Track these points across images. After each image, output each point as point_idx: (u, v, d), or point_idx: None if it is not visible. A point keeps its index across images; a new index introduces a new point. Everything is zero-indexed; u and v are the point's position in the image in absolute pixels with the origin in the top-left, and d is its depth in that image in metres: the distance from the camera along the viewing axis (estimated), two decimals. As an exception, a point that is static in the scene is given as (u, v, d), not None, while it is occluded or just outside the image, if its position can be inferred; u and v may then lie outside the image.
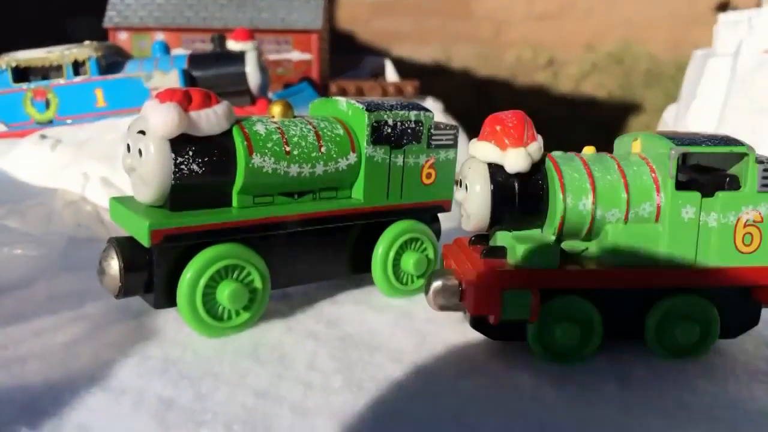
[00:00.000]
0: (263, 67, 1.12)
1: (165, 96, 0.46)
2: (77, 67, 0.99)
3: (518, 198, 0.45)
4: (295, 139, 0.51)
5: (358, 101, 0.55)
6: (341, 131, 0.53)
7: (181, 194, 0.47)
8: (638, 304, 0.47)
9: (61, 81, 1.00)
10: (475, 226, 0.47)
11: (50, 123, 1.01)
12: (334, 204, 0.53)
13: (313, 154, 0.51)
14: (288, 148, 0.50)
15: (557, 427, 0.38)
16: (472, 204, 0.46)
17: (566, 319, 0.45)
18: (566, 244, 0.47)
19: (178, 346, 0.46)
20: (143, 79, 1.01)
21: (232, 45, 1.12)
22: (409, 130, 0.55)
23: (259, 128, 0.50)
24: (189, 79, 1.04)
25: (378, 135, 0.54)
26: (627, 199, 0.45)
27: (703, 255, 0.45)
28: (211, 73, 1.08)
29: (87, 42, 1.04)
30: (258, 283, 0.49)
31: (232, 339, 0.48)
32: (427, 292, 0.46)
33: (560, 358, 0.45)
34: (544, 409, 0.40)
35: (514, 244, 0.44)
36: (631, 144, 0.50)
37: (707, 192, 0.45)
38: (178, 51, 1.37)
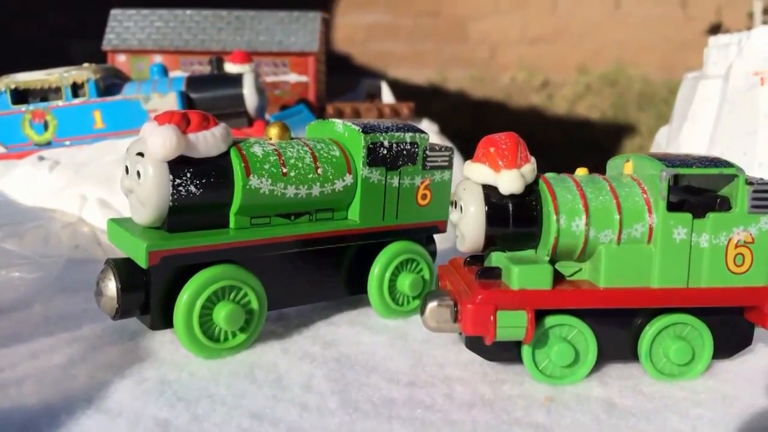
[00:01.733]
0: (261, 89, 1.13)
1: (163, 118, 0.47)
2: (76, 89, 1.00)
3: (512, 219, 0.46)
4: (292, 160, 0.51)
5: (354, 123, 0.56)
6: (338, 153, 0.54)
7: (178, 216, 0.47)
8: (631, 324, 0.47)
9: (60, 103, 1.00)
10: (469, 247, 0.47)
11: (48, 144, 1.02)
12: (331, 225, 0.54)
13: (310, 176, 0.51)
14: (285, 170, 0.50)
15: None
16: (467, 225, 0.46)
17: (560, 340, 0.45)
18: (560, 265, 0.47)
19: (175, 368, 0.46)
20: (141, 101, 1.02)
21: (230, 67, 1.13)
22: (404, 152, 0.55)
23: (257, 150, 0.50)
24: (187, 101, 1.05)
25: (374, 156, 0.54)
26: (619, 220, 0.45)
27: (695, 276, 0.46)
28: (209, 95, 1.08)
29: (86, 64, 1.05)
30: (254, 305, 0.49)
31: (228, 360, 0.48)
32: (422, 312, 0.46)
33: (555, 379, 0.46)
34: None
35: (509, 264, 0.45)
36: (623, 165, 0.50)
37: (698, 213, 0.46)
38: (176, 73, 1.38)
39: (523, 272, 0.44)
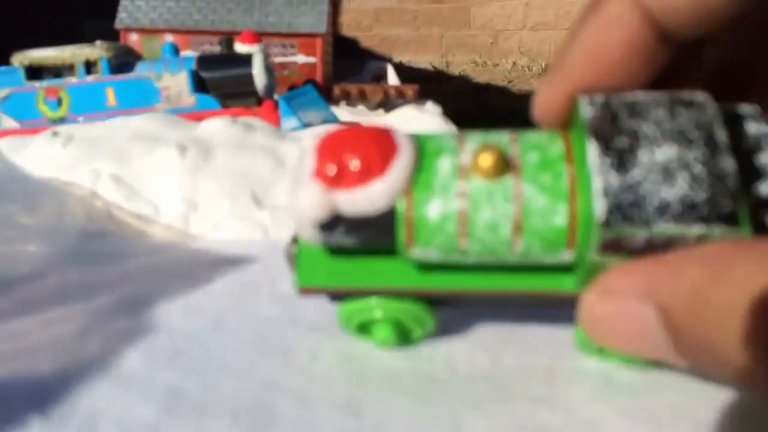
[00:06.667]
0: (270, 69, 1.13)
1: (317, 171, 0.36)
2: (89, 66, 1.01)
3: None
4: (480, 229, 0.36)
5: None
6: (561, 219, 0.36)
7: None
8: None
9: (73, 80, 1.01)
10: None
11: (62, 121, 1.03)
12: (531, 284, 0.40)
13: (501, 251, 0.37)
14: (465, 243, 0.36)
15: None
16: None
17: None
18: None
19: (186, 338, 0.47)
20: (153, 80, 1.02)
21: (240, 47, 1.14)
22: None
23: (433, 211, 0.36)
24: (197, 80, 1.06)
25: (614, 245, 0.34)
26: None
27: None
28: (219, 74, 1.09)
29: (98, 42, 1.05)
30: (417, 334, 0.46)
31: (238, 331, 0.49)
32: None
33: None
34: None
35: None
36: None
37: None
38: (187, 53, 1.39)
39: None
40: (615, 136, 0.34)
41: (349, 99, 1.58)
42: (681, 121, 0.34)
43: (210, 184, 0.77)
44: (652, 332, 0.32)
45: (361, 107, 1.57)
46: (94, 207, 0.72)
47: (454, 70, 2.75)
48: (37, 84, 1.01)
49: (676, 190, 0.33)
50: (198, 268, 0.62)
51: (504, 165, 0.35)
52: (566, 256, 0.37)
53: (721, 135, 0.33)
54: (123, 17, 1.55)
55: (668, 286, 0.31)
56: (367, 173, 0.36)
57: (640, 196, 0.33)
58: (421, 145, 0.38)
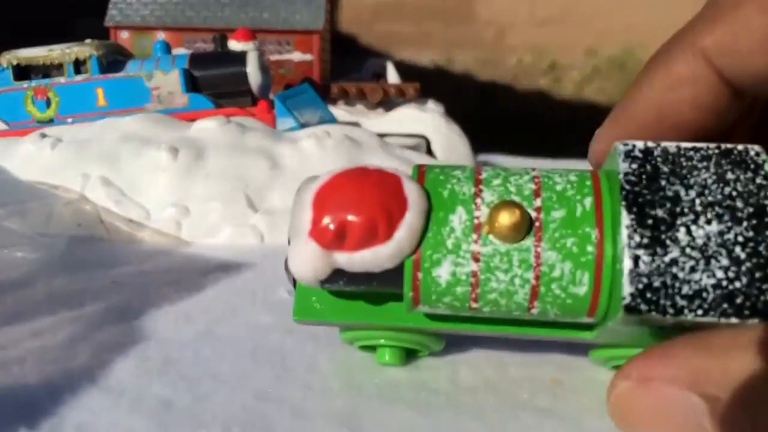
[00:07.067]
0: (265, 67, 1.11)
1: (315, 230, 0.33)
2: (78, 65, 0.99)
3: None
4: (494, 293, 0.33)
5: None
6: (584, 289, 0.32)
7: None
8: None
9: (62, 80, 0.99)
10: None
11: (51, 122, 1.01)
12: (546, 333, 0.39)
13: (515, 312, 0.34)
14: (476, 305, 0.33)
15: None
16: None
17: None
18: None
19: (178, 347, 0.46)
20: (144, 79, 1.01)
21: (234, 45, 1.12)
22: None
23: (443, 274, 0.33)
24: (190, 79, 1.04)
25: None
26: None
27: None
28: (212, 73, 1.07)
29: (88, 40, 1.04)
30: (423, 353, 0.45)
31: (232, 341, 0.48)
32: None
33: None
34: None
35: None
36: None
37: None
38: (179, 51, 1.37)
39: None
40: (652, 203, 0.30)
41: (347, 98, 1.57)
42: (728, 188, 0.30)
43: (203, 187, 0.76)
44: (697, 424, 0.30)
45: (360, 106, 1.56)
46: (83, 211, 0.71)
47: (457, 68, 2.75)
48: (25, 84, 0.99)
49: (712, 276, 0.29)
50: (190, 275, 0.61)
51: (524, 226, 0.31)
52: (586, 319, 0.34)
53: None
54: (113, 14, 1.54)
55: (717, 377, 0.29)
56: (372, 239, 0.32)
57: (671, 281, 0.29)
58: (433, 192, 0.34)
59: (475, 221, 0.32)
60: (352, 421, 0.38)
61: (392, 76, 1.81)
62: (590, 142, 0.41)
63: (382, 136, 1.04)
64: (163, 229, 0.72)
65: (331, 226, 0.33)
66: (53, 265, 0.59)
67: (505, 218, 0.31)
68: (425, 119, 1.34)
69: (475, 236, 0.32)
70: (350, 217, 0.32)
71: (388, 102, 1.54)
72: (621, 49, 2.62)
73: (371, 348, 0.44)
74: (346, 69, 1.98)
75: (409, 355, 0.45)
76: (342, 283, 0.35)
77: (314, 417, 0.38)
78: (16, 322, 0.49)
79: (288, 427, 0.37)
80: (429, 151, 1.32)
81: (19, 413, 0.38)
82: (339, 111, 1.46)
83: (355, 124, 1.27)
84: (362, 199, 0.33)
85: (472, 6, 2.71)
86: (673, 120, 0.36)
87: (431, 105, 1.47)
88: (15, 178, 0.77)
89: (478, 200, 0.33)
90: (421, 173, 0.35)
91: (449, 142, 1.37)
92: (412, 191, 0.33)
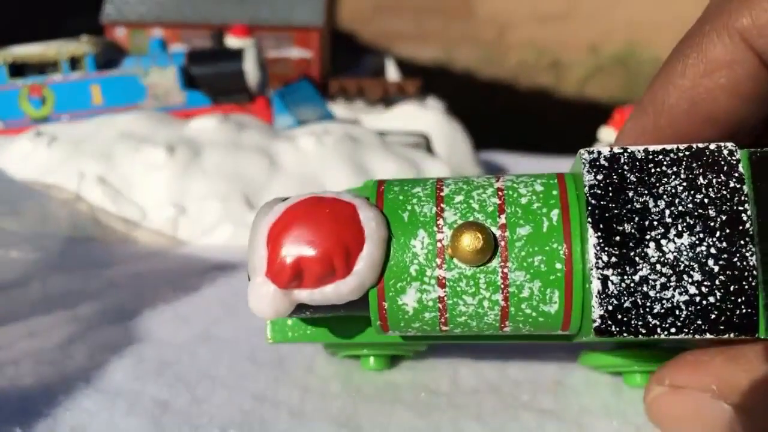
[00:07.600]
0: (263, 64, 1.11)
1: (270, 271, 0.32)
2: (74, 63, 0.99)
3: None
4: (463, 317, 0.32)
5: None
6: (555, 307, 0.31)
7: None
8: None
9: (58, 77, 0.99)
10: None
11: (46, 120, 1.01)
12: (524, 340, 0.38)
13: (487, 331, 0.33)
14: (447, 328, 0.33)
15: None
16: None
17: None
18: None
19: (174, 348, 0.46)
20: (140, 76, 1.00)
21: (231, 42, 1.12)
22: None
23: (408, 301, 0.32)
24: (187, 77, 1.04)
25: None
26: None
27: None
28: (209, 70, 1.07)
29: (84, 37, 1.03)
30: (408, 356, 0.44)
31: (230, 342, 0.47)
32: None
33: None
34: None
35: None
36: None
37: None
38: (176, 48, 1.36)
39: None
40: (620, 217, 0.28)
41: (346, 95, 1.56)
42: (699, 195, 0.28)
43: (200, 185, 0.76)
44: (731, 430, 0.31)
45: (359, 103, 1.55)
46: (79, 211, 0.70)
47: (458, 65, 2.74)
48: (20, 82, 0.99)
49: (684, 293, 0.28)
50: (187, 275, 0.61)
51: (489, 248, 0.30)
52: (561, 332, 0.33)
53: (746, 211, 0.28)
54: (109, 11, 1.53)
55: (745, 386, 0.30)
56: (330, 276, 0.31)
57: (642, 300, 0.28)
58: (392, 216, 0.32)
59: (438, 245, 0.31)
60: (351, 423, 0.37)
61: (392, 72, 1.81)
62: (616, 136, 0.39)
63: (382, 134, 1.04)
64: (160, 228, 0.72)
65: (287, 266, 0.31)
66: (48, 266, 0.59)
67: (468, 244, 0.30)
68: (426, 117, 1.33)
69: (439, 261, 0.31)
70: (306, 255, 0.31)
71: (387, 99, 1.54)
72: (623, 46, 2.62)
73: (356, 356, 0.44)
74: (346, 66, 1.98)
75: (396, 357, 0.44)
76: (308, 313, 0.34)
77: (313, 419, 0.38)
78: (12, 322, 0.49)
79: (286, 429, 0.37)
80: (429, 149, 1.31)
81: (14, 415, 0.37)
82: (338, 108, 1.45)
83: (355, 122, 1.26)
84: (317, 233, 0.31)
85: (472, 3, 2.70)
86: (707, 109, 0.33)
87: (432, 102, 1.47)
88: (10, 178, 0.77)
89: (440, 221, 0.31)
90: (379, 193, 0.33)
91: (450, 140, 1.37)
92: (369, 220, 0.31)
